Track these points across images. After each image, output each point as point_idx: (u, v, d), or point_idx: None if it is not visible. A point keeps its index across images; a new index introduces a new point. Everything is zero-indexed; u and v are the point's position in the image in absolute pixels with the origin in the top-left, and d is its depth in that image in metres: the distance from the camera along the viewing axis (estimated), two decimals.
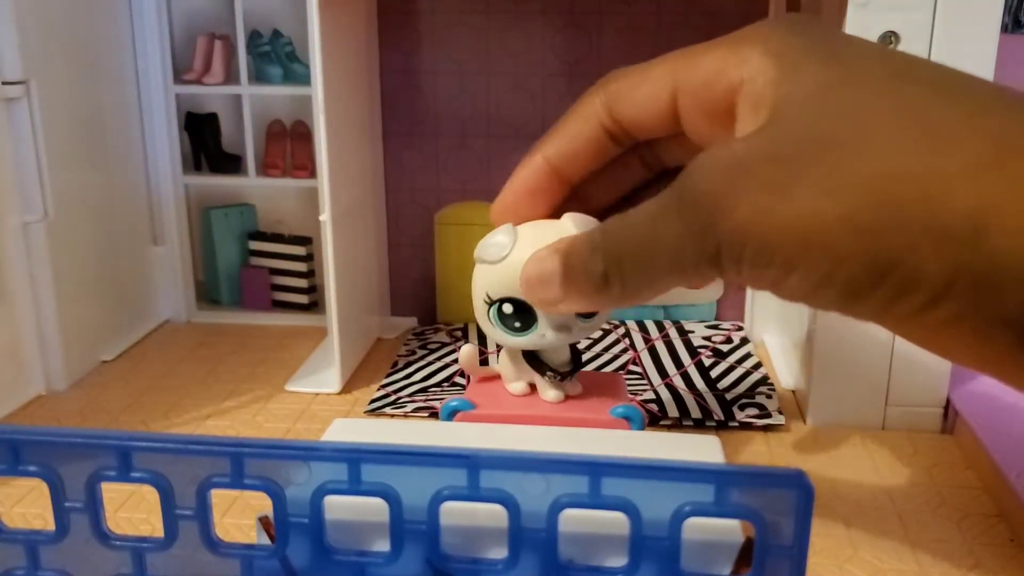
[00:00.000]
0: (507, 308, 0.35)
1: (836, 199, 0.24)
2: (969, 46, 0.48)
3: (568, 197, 0.36)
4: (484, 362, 0.40)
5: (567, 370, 0.37)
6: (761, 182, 0.25)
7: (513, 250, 0.34)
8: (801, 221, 0.24)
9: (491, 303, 0.35)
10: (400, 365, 0.65)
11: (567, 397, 0.37)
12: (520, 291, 0.34)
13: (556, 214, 0.35)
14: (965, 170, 0.23)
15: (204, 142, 0.75)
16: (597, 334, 0.70)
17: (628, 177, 0.36)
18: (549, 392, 0.37)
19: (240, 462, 0.25)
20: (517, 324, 0.35)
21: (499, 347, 0.39)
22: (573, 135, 0.33)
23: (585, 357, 0.65)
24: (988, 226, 0.23)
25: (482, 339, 0.69)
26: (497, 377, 0.39)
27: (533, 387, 0.38)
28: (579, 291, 0.31)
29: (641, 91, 0.31)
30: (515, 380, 0.38)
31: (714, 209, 0.26)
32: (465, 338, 0.70)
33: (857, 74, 0.26)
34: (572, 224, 0.34)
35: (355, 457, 0.25)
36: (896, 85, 0.25)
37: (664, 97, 0.31)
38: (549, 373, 0.36)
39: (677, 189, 0.27)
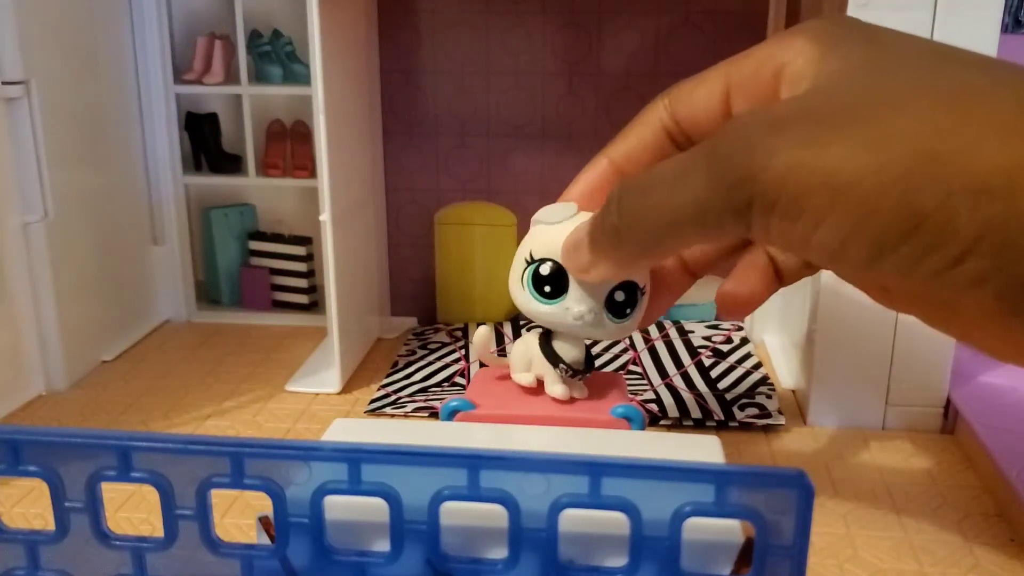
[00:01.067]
0: (544, 269, 0.35)
1: (871, 152, 0.24)
2: (969, 46, 0.48)
3: None
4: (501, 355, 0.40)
5: (580, 368, 0.37)
6: (799, 135, 0.26)
7: (574, 218, 0.34)
8: (835, 172, 0.25)
9: (531, 263, 0.35)
10: (400, 365, 0.65)
11: (573, 398, 0.37)
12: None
13: None
14: (997, 129, 0.24)
15: (204, 142, 0.75)
16: None
17: None
18: (556, 387, 0.37)
19: (240, 462, 0.25)
20: (547, 288, 0.35)
21: (513, 338, 0.39)
22: (636, 137, 0.34)
23: None
24: (1021, 186, 0.23)
25: (496, 338, 0.69)
26: (504, 368, 0.39)
27: (540, 383, 0.37)
28: (600, 251, 0.32)
29: (699, 92, 0.32)
30: (523, 371, 0.37)
31: (749, 161, 0.26)
32: (465, 338, 0.70)
33: (894, 53, 0.27)
34: None
35: (355, 457, 0.25)
36: (932, 60, 0.27)
37: (718, 95, 0.32)
38: (562, 365, 0.36)
39: (707, 146, 0.28)
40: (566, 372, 0.36)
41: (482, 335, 0.39)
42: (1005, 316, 0.24)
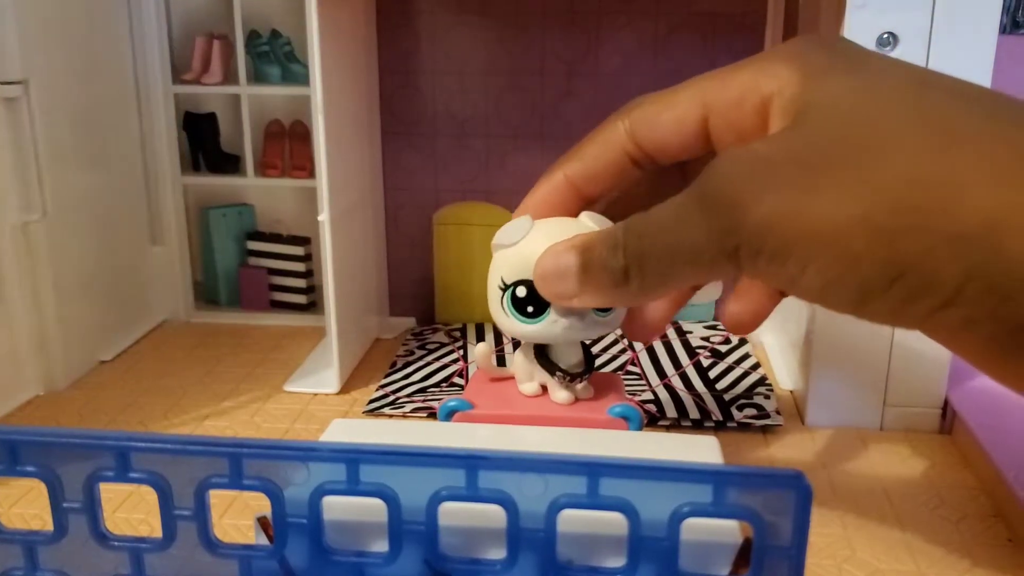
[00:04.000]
0: (520, 291, 0.34)
1: (855, 201, 0.25)
2: (967, 46, 0.48)
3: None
4: (500, 359, 0.40)
5: (578, 372, 0.37)
6: (783, 181, 0.26)
7: (528, 235, 0.34)
8: (820, 221, 0.25)
9: (505, 288, 0.35)
10: (399, 365, 0.65)
11: (577, 399, 0.37)
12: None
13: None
14: (982, 175, 0.24)
15: (203, 142, 0.75)
16: None
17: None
18: (559, 393, 0.37)
19: (239, 462, 0.25)
20: (530, 309, 0.35)
21: (514, 346, 0.39)
22: (594, 158, 0.34)
23: None
24: (1003, 231, 0.23)
25: (496, 338, 0.69)
26: (509, 378, 0.39)
27: (545, 389, 0.38)
28: (596, 286, 0.32)
29: (668, 116, 0.32)
30: (528, 381, 0.38)
31: (736, 206, 0.26)
32: (464, 338, 0.70)
33: (880, 82, 0.27)
34: (590, 221, 0.34)
35: (353, 457, 0.25)
36: (917, 91, 0.26)
37: (692, 120, 0.31)
38: (559, 374, 0.36)
39: (699, 188, 0.28)
40: (564, 378, 0.36)
41: (482, 352, 0.39)
42: (1003, 353, 0.24)
